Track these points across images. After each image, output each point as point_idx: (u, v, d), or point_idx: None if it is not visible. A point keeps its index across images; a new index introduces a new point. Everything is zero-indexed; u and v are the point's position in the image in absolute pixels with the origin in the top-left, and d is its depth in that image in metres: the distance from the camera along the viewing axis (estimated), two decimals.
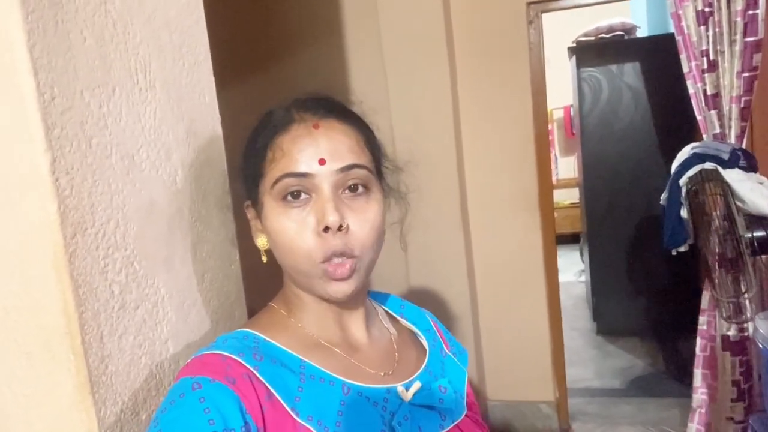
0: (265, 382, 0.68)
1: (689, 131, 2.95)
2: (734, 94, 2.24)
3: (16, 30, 0.62)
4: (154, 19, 0.82)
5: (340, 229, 0.72)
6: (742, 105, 2.23)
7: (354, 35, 2.68)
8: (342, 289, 0.74)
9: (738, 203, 2.00)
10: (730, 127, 2.26)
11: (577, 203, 5.40)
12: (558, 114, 6.53)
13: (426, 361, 0.88)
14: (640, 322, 3.99)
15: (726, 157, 2.05)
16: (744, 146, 2.24)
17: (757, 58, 2.21)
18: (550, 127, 6.29)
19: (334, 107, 0.78)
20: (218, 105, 0.98)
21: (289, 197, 0.73)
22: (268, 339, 0.76)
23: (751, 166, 2.10)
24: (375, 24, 2.61)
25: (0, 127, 0.64)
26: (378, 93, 2.59)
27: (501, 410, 3.03)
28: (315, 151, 0.72)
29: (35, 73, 0.63)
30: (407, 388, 0.80)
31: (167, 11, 0.86)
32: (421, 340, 0.94)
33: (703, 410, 2.46)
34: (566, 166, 6.62)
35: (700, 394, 2.47)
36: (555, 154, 6.66)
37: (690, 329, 3.53)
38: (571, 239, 6.08)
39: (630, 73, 3.80)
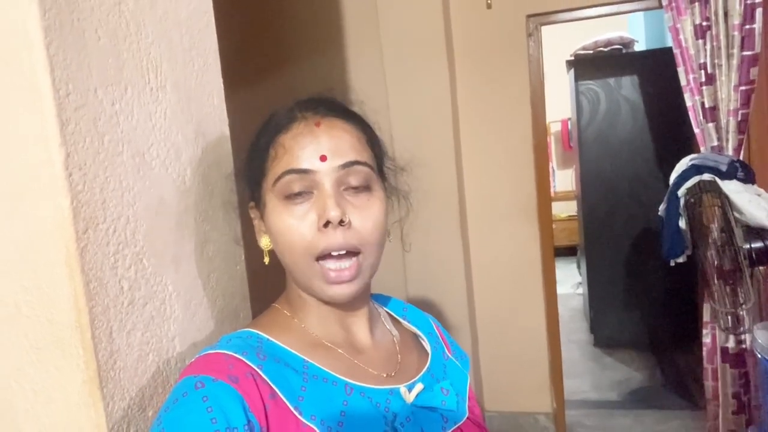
0: (269, 381, 0.69)
1: (687, 144, 2.97)
2: (732, 107, 2.27)
3: (34, 27, 0.63)
4: (165, 21, 0.84)
5: (341, 224, 0.72)
6: (739, 118, 2.26)
7: (355, 47, 2.70)
8: (343, 291, 0.75)
9: (736, 214, 2.02)
10: (727, 140, 2.29)
11: (575, 216, 5.41)
12: (555, 127, 6.56)
13: (428, 364, 0.88)
14: (638, 334, 3.99)
15: (724, 168, 2.07)
16: (741, 159, 2.26)
17: (754, 71, 2.24)
18: (547, 140, 6.31)
19: (336, 106, 0.79)
20: (225, 108, 0.99)
21: (291, 194, 0.73)
22: (271, 339, 0.76)
23: (749, 178, 2.12)
24: (376, 36, 2.64)
25: (16, 121, 0.65)
26: (378, 104, 2.59)
27: (498, 421, 3.02)
28: (316, 148, 0.73)
29: (51, 69, 0.64)
30: (410, 389, 0.80)
31: (178, 13, 0.87)
32: (423, 342, 0.94)
33: (716, 422, 2.46)
34: (563, 179, 6.64)
35: (712, 406, 2.47)
36: (552, 167, 6.69)
37: (687, 341, 3.55)
38: (568, 252, 6.08)
39: (628, 86, 3.83)
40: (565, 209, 6.36)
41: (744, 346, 2.30)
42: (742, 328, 2.10)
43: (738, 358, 2.30)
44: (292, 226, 0.73)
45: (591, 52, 4.05)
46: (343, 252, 0.73)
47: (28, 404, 0.70)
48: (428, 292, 2.77)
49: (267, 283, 0.95)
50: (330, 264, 0.73)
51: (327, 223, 0.72)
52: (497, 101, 2.86)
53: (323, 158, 0.73)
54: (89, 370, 0.67)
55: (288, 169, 0.73)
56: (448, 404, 0.82)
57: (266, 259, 0.82)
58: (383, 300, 0.98)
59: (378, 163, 0.81)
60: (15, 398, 0.70)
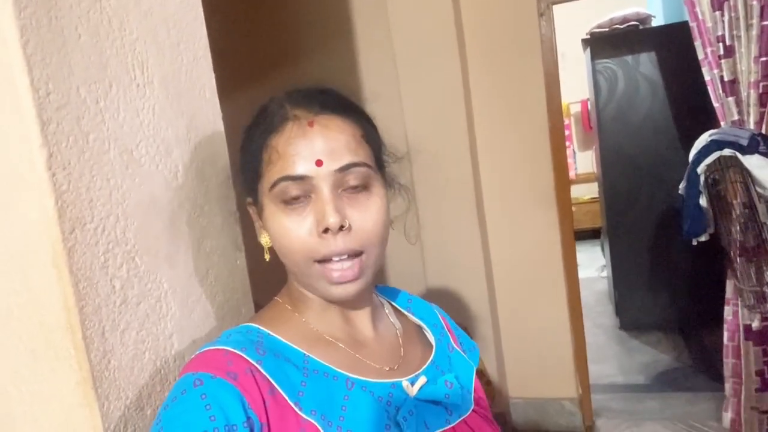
0: (268, 376, 0.68)
1: (708, 120, 2.88)
2: (752, 80, 2.19)
3: (9, 26, 0.62)
4: (151, 16, 0.83)
5: (341, 229, 0.71)
6: (760, 90, 2.19)
7: (364, 33, 2.67)
8: (346, 290, 0.73)
9: (759, 190, 1.96)
10: (748, 114, 2.22)
11: (597, 198, 5.33)
12: (575, 108, 6.45)
13: (432, 356, 0.87)
14: (664, 316, 3.92)
15: (745, 143, 2.01)
16: (763, 132, 2.19)
17: None
18: (567, 121, 6.21)
19: (330, 101, 0.76)
20: (233, 106, 0.97)
21: (289, 200, 0.72)
22: (271, 333, 0.75)
23: None
24: (385, 21, 2.61)
25: None
26: (390, 92, 2.58)
27: (523, 408, 3.00)
28: (311, 152, 0.71)
29: (29, 69, 0.63)
30: (412, 382, 0.79)
31: (165, 8, 0.86)
32: (428, 335, 0.92)
33: (736, 399, 2.43)
34: (585, 161, 6.54)
35: (732, 383, 2.44)
36: (573, 149, 6.58)
37: (715, 322, 3.47)
38: (591, 235, 6.00)
39: (646, 63, 3.74)
40: (587, 191, 6.27)
41: None
42: (767, 306, 2.04)
43: (762, 336, 2.24)
44: (291, 230, 0.72)
45: (607, 29, 3.97)
46: (345, 256, 0.72)
47: (25, 407, 0.70)
48: (448, 282, 2.75)
49: (270, 276, 0.94)
50: (332, 266, 0.72)
51: (326, 230, 0.70)
52: (511, 84, 2.81)
53: (319, 163, 0.70)
54: (82, 370, 0.67)
55: (283, 176, 0.71)
56: (453, 397, 0.81)
57: (267, 256, 0.81)
58: (387, 292, 0.97)
59: (376, 157, 0.78)
60: (12, 401, 0.71)
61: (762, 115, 2.20)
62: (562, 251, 2.89)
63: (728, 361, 2.43)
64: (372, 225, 0.73)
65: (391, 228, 0.82)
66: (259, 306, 0.96)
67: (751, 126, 2.20)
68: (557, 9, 2.79)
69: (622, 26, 3.92)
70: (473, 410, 0.85)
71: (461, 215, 2.71)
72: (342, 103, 0.77)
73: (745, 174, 1.97)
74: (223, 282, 0.93)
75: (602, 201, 4.28)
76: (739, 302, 2.24)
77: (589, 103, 5.27)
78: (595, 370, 3.27)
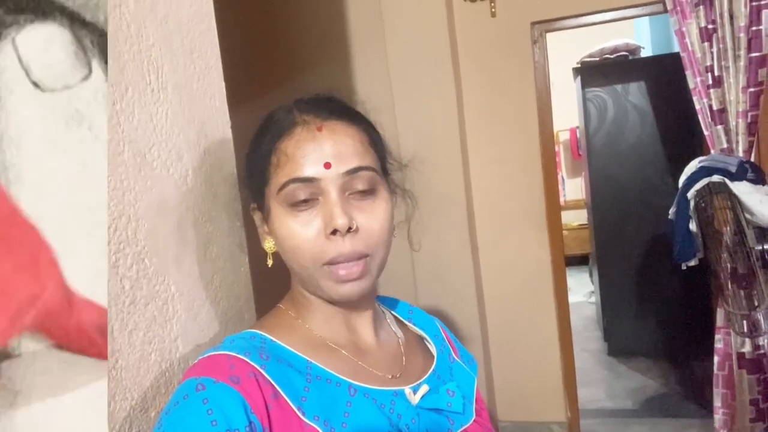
0: (272, 381, 0.68)
1: (696, 149, 2.95)
2: (740, 109, 2.25)
3: None
4: (166, 23, 0.84)
5: (349, 230, 0.72)
6: (749, 120, 2.24)
7: (361, 57, 2.71)
8: (353, 289, 0.74)
9: (747, 216, 1.99)
10: (737, 142, 2.27)
11: (586, 224, 5.38)
12: (564, 136, 6.54)
13: (434, 366, 0.87)
14: (652, 341, 3.93)
15: (734, 169, 2.05)
16: (752, 160, 2.24)
17: (763, 73, 2.23)
18: (556, 149, 6.29)
19: (337, 108, 0.78)
20: (232, 118, 0.99)
21: (297, 202, 0.73)
22: (274, 339, 0.76)
23: (759, 179, 2.09)
24: (382, 46, 2.65)
25: None
26: (385, 114, 2.59)
27: (512, 431, 2.99)
28: (320, 155, 0.72)
29: None
30: (415, 391, 0.79)
31: (179, 16, 0.88)
32: (429, 345, 0.93)
33: (727, 430, 2.41)
34: (573, 188, 6.62)
35: (721, 414, 2.42)
36: (562, 176, 6.66)
37: (703, 348, 3.50)
38: (580, 260, 6.04)
39: (635, 92, 3.82)
40: (575, 218, 6.34)
41: (762, 351, 2.25)
42: (758, 332, 2.06)
43: (755, 364, 2.25)
44: (298, 233, 0.73)
45: (597, 59, 4.05)
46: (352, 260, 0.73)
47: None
48: (438, 302, 2.76)
49: (272, 284, 0.95)
50: (339, 266, 0.73)
51: (335, 231, 0.71)
52: (504, 109, 2.86)
53: (327, 165, 0.72)
54: None
55: (292, 178, 0.72)
56: (454, 406, 0.81)
57: (270, 262, 0.82)
58: (389, 302, 0.98)
59: (381, 163, 0.80)
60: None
61: (751, 144, 2.25)
62: (553, 274, 2.91)
63: (718, 391, 2.42)
64: (378, 227, 0.75)
65: (394, 235, 0.84)
66: (261, 313, 0.96)
67: (740, 154, 2.25)
68: (548, 37, 2.85)
69: (612, 56, 4.00)
70: (475, 420, 0.85)
71: (452, 235, 2.73)
72: (348, 110, 0.79)
73: (734, 200, 2.00)
74: (228, 287, 0.94)
75: (591, 227, 4.32)
76: (731, 330, 2.25)
77: (578, 130, 5.35)
78: (584, 394, 3.27)
